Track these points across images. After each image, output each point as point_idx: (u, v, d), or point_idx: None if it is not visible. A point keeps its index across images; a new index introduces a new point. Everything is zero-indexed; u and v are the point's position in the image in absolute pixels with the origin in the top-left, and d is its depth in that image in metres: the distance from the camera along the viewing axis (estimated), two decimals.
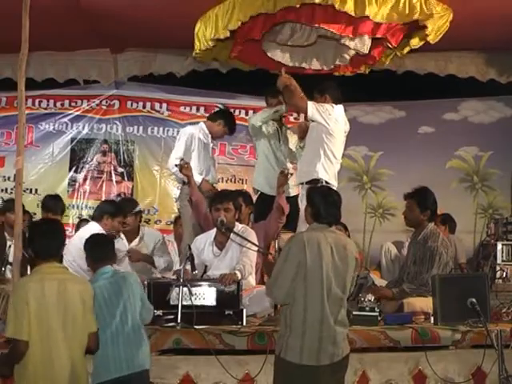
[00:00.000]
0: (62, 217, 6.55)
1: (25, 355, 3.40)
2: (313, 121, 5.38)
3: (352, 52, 5.77)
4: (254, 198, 6.20)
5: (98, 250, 3.97)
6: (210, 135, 6.07)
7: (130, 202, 6.19)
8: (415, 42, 5.61)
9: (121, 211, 5.47)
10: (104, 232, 4.87)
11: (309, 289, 3.60)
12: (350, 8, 4.83)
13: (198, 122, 6.54)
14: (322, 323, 3.60)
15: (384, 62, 6.20)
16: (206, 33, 5.43)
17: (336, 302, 3.66)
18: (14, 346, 3.42)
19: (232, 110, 8.10)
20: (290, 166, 6.07)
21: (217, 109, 6.85)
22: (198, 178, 5.81)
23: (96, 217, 5.46)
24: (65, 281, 3.54)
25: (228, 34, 5.25)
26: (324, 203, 3.82)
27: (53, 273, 3.55)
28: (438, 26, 5.23)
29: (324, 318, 3.60)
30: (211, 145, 6.17)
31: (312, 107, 5.25)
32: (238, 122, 8.03)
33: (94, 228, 5.26)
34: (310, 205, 3.88)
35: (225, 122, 6.12)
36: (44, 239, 3.59)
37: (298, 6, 4.91)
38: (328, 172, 5.25)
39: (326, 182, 5.18)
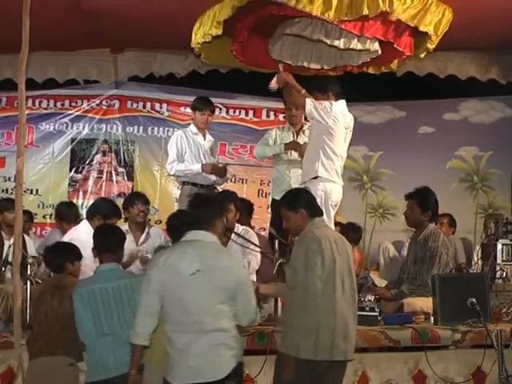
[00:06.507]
0: (75, 224, 6.50)
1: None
2: (311, 118, 5.36)
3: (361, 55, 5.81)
4: None
5: (101, 240, 3.93)
6: (199, 133, 6.04)
7: (135, 195, 6.10)
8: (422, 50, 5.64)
9: (115, 213, 5.12)
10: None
11: (325, 284, 3.62)
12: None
13: None
14: (336, 318, 3.61)
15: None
16: (201, 30, 5.43)
17: (350, 295, 3.70)
18: None
19: (232, 110, 8.17)
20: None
21: None
22: (197, 167, 5.84)
23: (88, 215, 5.19)
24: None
25: (220, 31, 5.24)
26: (312, 198, 3.96)
27: None
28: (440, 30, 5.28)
29: (338, 313, 3.61)
30: (206, 142, 6.09)
31: (310, 105, 5.18)
32: (238, 122, 8.16)
33: (82, 228, 5.10)
34: (302, 206, 3.86)
35: (192, 108, 6.10)
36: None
37: None
38: (328, 170, 5.19)
39: (327, 179, 5.14)
